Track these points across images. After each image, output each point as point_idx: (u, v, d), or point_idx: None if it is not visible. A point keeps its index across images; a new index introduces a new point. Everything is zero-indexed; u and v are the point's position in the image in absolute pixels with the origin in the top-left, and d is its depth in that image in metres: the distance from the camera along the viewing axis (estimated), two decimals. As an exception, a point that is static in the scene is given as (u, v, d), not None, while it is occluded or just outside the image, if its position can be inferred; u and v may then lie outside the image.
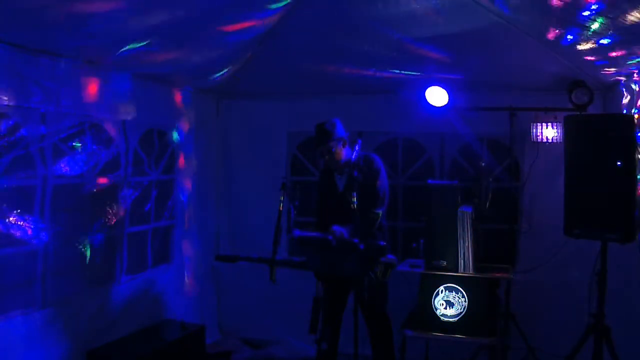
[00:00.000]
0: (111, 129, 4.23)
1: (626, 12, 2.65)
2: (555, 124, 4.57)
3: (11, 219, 3.47)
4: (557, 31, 3.57)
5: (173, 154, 5.01)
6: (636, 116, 3.67)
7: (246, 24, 4.00)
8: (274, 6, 3.85)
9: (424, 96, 4.64)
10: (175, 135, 5.00)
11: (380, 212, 4.09)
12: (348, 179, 4.11)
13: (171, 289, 4.99)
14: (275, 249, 3.44)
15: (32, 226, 3.59)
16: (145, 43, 3.72)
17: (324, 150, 4.10)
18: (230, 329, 5.63)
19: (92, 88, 3.96)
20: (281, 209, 3.54)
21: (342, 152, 4.11)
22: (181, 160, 5.11)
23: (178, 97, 5.04)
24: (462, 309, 4.04)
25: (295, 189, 4.01)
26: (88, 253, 4.12)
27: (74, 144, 3.91)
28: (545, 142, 4.63)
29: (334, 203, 4.18)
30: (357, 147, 3.73)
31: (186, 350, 4.48)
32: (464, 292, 4.05)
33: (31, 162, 3.60)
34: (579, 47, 3.64)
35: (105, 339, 4.15)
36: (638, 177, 3.54)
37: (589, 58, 3.83)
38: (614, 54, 3.56)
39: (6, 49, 3.24)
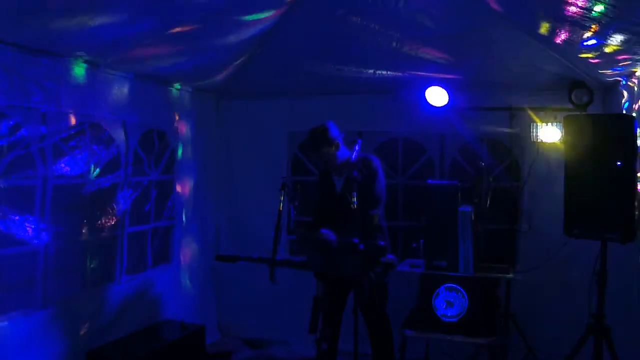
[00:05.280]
0: (111, 129, 4.23)
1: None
2: (555, 124, 4.57)
3: (11, 218, 3.47)
4: (557, 31, 3.56)
5: (173, 154, 5.01)
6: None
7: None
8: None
9: (424, 96, 4.63)
10: (175, 135, 5.00)
11: (375, 213, 4.06)
12: (346, 179, 4.10)
13: (171, 289, 4.98)
14: (275, 249, 3.44)
15: (33, 226, 3.59)
16: (145, 43, 3.72)
17: (317, 157, 4.09)
18: (230, 329, 5.63)
19: (92, 88, 3.96)
20: (281, 208, 3.54)
21: (337, 155, 4.09)
22: (181, 160, 5.11)
23: (178, 97, 5.05)
24: (462, 309, 4.04)
25: (295, 188, 4.00)
26: (88, 253, 4.12)
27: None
28: (545, 142, 4.63)
29: (332, 203, 4.18)
30: (356, 147, 3.72)
31: (186, 350, 4.48)
32: (464, 292, 4.04)
33: (31, 162, 3.61)
34: (579, 47, 3.63)
35: (105, 339, 4.15)
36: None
37: (588, 58, 3.83)
38: (613, 54, 3.55)
39: (6, 49, 3.25)
